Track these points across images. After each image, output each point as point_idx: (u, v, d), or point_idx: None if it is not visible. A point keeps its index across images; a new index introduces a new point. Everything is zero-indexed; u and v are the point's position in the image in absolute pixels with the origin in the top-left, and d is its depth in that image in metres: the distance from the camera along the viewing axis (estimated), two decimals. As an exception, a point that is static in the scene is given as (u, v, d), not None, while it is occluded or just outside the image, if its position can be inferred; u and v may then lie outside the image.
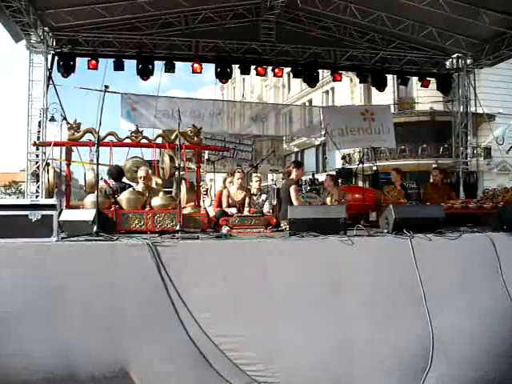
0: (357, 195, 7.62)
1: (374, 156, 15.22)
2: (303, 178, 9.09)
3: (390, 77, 12.79)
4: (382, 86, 12.30)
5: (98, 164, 5.00)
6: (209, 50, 11.20)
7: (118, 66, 10.76)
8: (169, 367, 3.90)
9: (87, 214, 4.73)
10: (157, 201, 5.62)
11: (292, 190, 6.80)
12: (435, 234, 4.61)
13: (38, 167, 10.05)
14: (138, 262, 4.04)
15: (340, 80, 12.61)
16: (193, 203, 5.89)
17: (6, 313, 3.78)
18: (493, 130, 16.75)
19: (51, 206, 4.20)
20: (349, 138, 12.32)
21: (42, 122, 10.13)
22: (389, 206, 5.04)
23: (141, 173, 6.28)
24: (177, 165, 5.53)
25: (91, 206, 5.21)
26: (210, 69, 11.48)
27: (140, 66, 10.91)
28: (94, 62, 10.58)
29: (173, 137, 6.06)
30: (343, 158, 17.04)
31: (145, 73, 10.96)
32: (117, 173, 6.57)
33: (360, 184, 11.00)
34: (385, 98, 17.30)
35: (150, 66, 11.01)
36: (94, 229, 4.43)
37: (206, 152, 10.86)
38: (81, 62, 10.71)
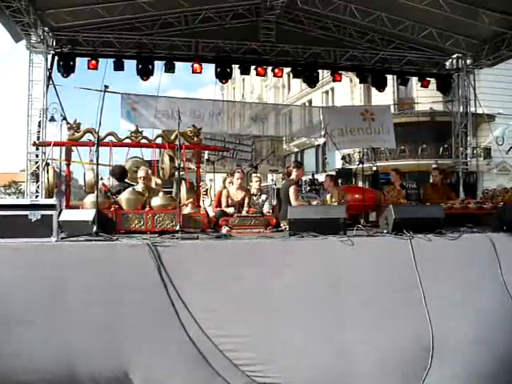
0: (357, 195, 7.62)
1: (373, 156, 15.20)
2: (303, 178, 9.10)
3: (389, 77, 12.78)
4: (381, 87, 12.29)
5: (97, 164, 5.01)
6: (209, 50, 11.20)
7: (118, 66, 10.75)
8: (168, 367, 3.90)
9: (87, 214, 4.73)
10: (156, 201, 5.62)
11: (291, 190, 6.80)
12: (435, 235, 4.61)
13: (37, 167, 10.04)
14: (138, 262, 4.04)
15: (340, 80, 12.61)
16: (191, 200, 5.89)
17: (6, 313, 3.78)
18: (492, 130, 16.74)
19: (51, 206, 4.21)
20: (348, 138, 12.32)
21: (41, 122, 10.13)
22: (389, 206, 5.05)
23: (140, 173, 6.27)
24: (177, 165, 5.53)
25: (91, 206, 5.20)
26: (209, 69, 11.50)
27: (140, 66, 10.90)
28: (93, 62, 10.57)
29: (172, 137, 6.06)
30: (343, 158, 17.05)
31: (145, 73, 10.96)
32: (120, 173, 6.56)
33: (360, 184, 11.02)
34: (385, 98, 17.29)
35: (150, 66, 11.01)
36: (94, 229, 4.43)
37: (206, 152, 10.85)
38: (81, 62, 10.72)
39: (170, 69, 11.09)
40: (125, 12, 10.03)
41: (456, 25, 10.41)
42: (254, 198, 6.83)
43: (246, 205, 6.57)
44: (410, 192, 8.50)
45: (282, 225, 6.17)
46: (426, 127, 21.51)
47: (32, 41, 10.06)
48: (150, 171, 6.58)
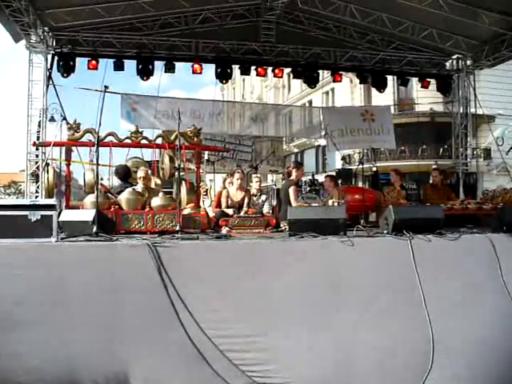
0: (357, 196, 7.62)
1: (373, 157, 15.15)
2: (303, 179, 9.09)
3: (389, 78, 12.76)
4: (381, 87, 12.29)
5: (97, 164, 5.01)
6: (209, 51, 11.19)
7: (118, 66, 10.74)
8: (168, 367, 3.90)
9: (87, 214, 4.73)
10: (156, 201, 5.62)
11: (291, 190, 6.81)
12: (435, 235, 4.62)
13: (37, 167, 10.03)
14: (138, 263, 4.04)
15: (340, 81, 12.61)
16: (193, 204, 5.89)
17: (6, 313, 3.78)
18: (492, 131, 16.74)
19: (51, 207, 4.21)
20: (348, 138, 12.31)
21: (41, 122, 10.12)
22: (388, 206, 5.05)
23: (140, 173, 6.27)
24: (177, 165, 5.53)
25: (91, 207, 5.21)
26: (210, 69, 11.48)
27: (140, 66, 10.89)
28: (93, 62, 10.56)
29: (172, 137, 6.06)
30: (343, 158, 17.01)
31: (145, 73, 10.96)
32: (123, 173, 6.56)
33: (360, 185, 11.00)
34: (385, 98, 17.28)
35: (150, 67, 11.00)
36: (94, 229, 4.43)
37: (206, 152, 10.84)
38: (81, 62, 10.70)
39: (170, 69, 11.09)
40: (125, 12, 10.02)
41: (456, 25, 10.41)
42: (254, 198, 6.83)
43: (245, 205, 6.58)
44: (409, 192, 8.50)
45: (281, 225, 6.17)
46: (426, 128, 21.50)
47: (32, 41, 10.05)
48: (149, 171, 6.58)
